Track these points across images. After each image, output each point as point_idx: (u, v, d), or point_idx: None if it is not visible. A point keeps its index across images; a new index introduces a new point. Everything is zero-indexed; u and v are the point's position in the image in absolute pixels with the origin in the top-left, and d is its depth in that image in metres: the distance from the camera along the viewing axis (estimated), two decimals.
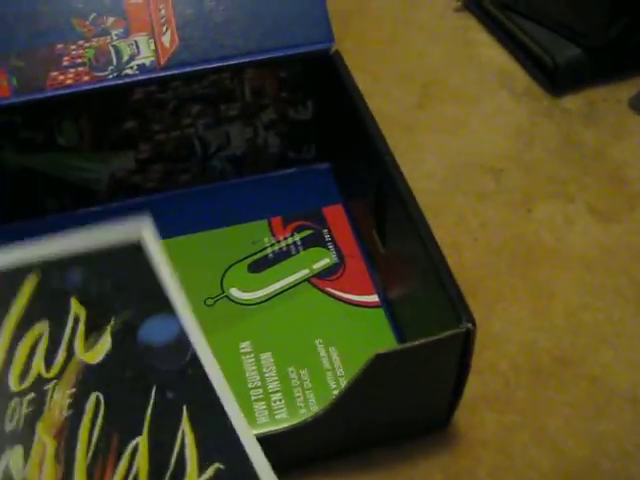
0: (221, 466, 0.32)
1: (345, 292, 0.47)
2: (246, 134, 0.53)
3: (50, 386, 0.33)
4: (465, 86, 0.65)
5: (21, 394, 0.32)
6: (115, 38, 0.48)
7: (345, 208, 0.52)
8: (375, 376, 0.36)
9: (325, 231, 0.51)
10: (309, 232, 0.51)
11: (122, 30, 0.48)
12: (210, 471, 0.32)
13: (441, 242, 0.40)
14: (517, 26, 0.67)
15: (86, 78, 0.47)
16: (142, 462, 0.32)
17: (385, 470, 0.42)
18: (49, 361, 0.34)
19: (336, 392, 0.43)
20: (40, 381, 0.33)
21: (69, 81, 0.47)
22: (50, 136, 0.49)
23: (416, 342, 0.36)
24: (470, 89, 0.65)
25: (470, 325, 0.36)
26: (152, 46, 0.48)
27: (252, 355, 0.44)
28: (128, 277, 0.37)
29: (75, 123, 0.49)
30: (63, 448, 0.31)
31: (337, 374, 0.44)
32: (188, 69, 0.48)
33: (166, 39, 0.48)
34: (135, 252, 0.38)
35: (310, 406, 0.42)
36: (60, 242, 0.37)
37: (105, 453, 0.32)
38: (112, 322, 0.36)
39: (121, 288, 0.37)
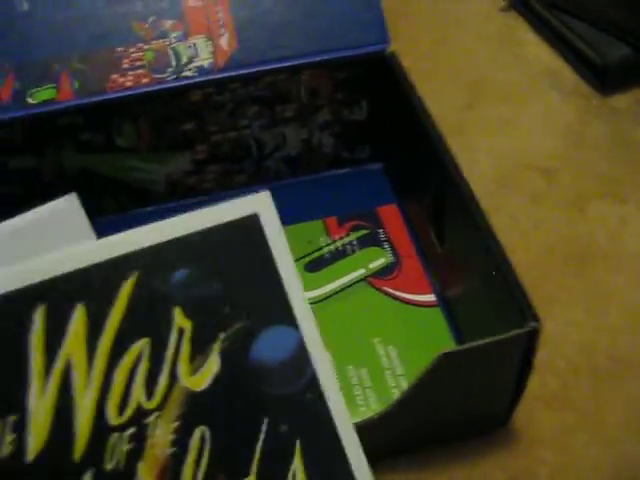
0: None
1: (402, 291, 0.48)
2: (301, 135, 0.53)
3: (152, 419, 0.28)
4: (513, 86, 0.65)
5: (121, 428, 0.28)
6: (174, 41, 0.49)
7: (399, 208, 0.53)
8: (440, 375, 0.36)
9: (380, 231, 0.51)
10: (365, 232, 0.51)
11: (181, 33, 0.49)
12: None
13: None
14: (565, 25, 0.67)
15: (145, 80, 0.48)
16: None
17: (445, 469, 0.42)
18: (150, 387, 0.29)
19: (395, 391, 0.43)
20: (141, 412, 0.28)
21: (129, 83, 0.48)
22: (109, 137, 0.50)
23: (482, 341, 0.36)
24: (518, 89, 0.65)
25: (536, 324, 0.36)
26: (210, 48, 0.49)
27: None
28: (242, 277, 0.30)
29: (134, 125, 0.50)
30: None
31: (396, 373, 0.44)
32: (245, 71, 0.49)
33: (224, 41, 0.49)
34: (250, 243, 0.31)
35: (370, 404, 0.43)
36: (159, 231, 0.30)
37: None
38: (222, 337, 0.30)
39: (233, 292, 0.31)
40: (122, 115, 0.50)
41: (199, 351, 0.29)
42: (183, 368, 0.29)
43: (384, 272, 0.49)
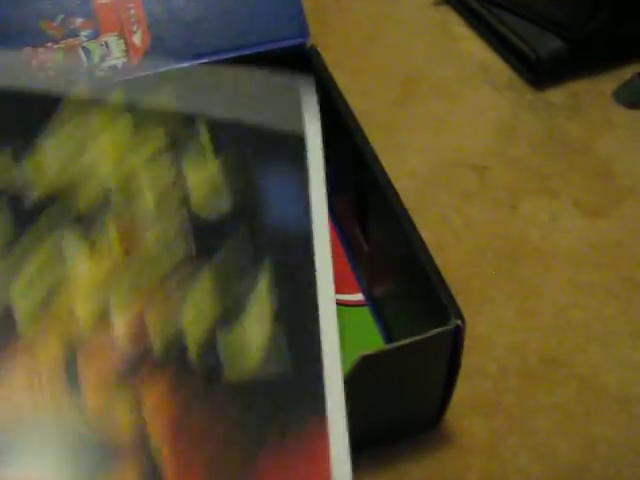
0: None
1: None
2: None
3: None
4: (446, 81, 0.64)
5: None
6: (84, 39, 0.46)
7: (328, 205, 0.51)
8: (362, 378, 0.35)
9: None
10: None
11: (92, 31, 0.47)
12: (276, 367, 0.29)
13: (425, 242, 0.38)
14: (498, 19, 0.66)
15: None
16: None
17: (372, 476, 0.40)
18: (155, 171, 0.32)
19: None
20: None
21: None
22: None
23: (403, 341, 0.34)
24: (451, 84, 0.64)
25: (459, 321, 0.35)
26: (123, 46, 0.46)
27: None
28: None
29: None
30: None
31: None
32: (160, 69, 0.47)
33: (137, 38, 0.47)
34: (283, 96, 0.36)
35: None
36: None
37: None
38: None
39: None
40: None
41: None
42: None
43: None
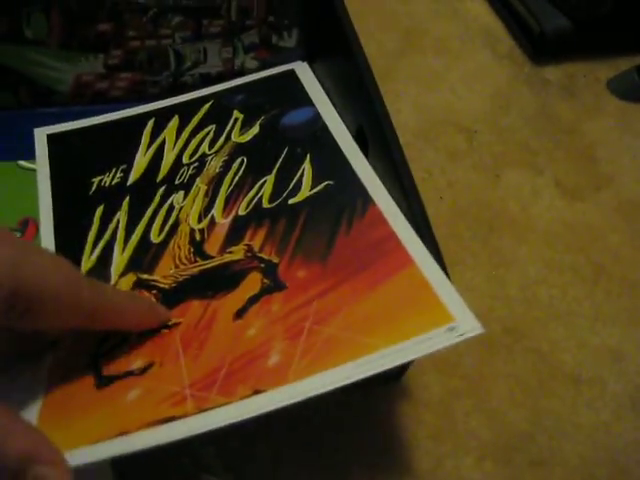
0: (331, 182, 0.40)
1: None
2: (224, 54, 0.50)
3: (209, 157, 0.44)
4: (448, 39, 0.64)
5: (189, 164, 0.43)
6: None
7: None
8: None
9: None
10: None
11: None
12: (321, 186, 0.40)
13: None
14: None
15: None
16: (267, 188, 0.41)
17: (327, 421, 0.41)
18: (212, 145, 0.44)
19: None
20: (204, 155, 0.44)
21: None
22: (16, 26, 0.46)
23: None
24: (452, 43, 0.63)
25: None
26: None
27: None
28: (280, 92, 0.47)
29: (45, 16, 0.46)
30: (212, 188, 0.42)
31: None
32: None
33: None
34: (288, 77, 0.48)
35: None
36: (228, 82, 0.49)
37: (241, 187, 0.41)
38: (262, 117, 0.45)
39: (273, 99, 0.47)
40: (33, 3, 0.46)
41: (247, 125, 0.45)
42: (235, 133, 0.45)
43: None
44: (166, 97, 0.51)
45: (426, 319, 0.32)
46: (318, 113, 0.45)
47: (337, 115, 0.45)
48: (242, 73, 0.51)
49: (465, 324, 0.32)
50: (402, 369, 0.41)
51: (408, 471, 0.40)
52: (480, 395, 0.43)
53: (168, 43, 0.49)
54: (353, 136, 0.43)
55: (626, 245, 0.51)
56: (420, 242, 0.36)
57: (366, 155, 0.42)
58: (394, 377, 0.42)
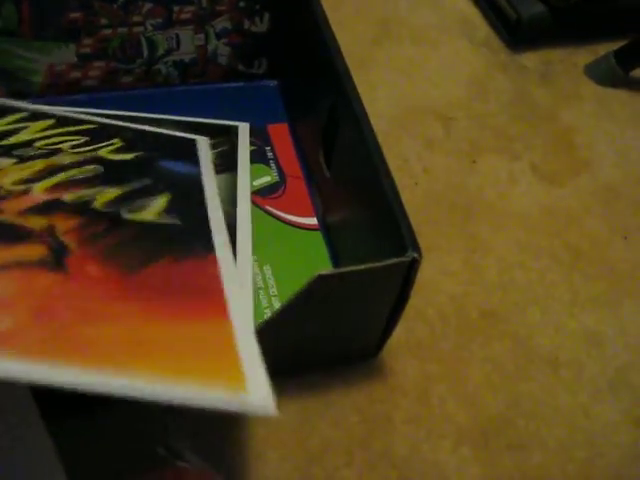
0: (178, 223, 0.38)
1: (284, 212, 0.46)
2: (197, 40, 0.50)
3: (64, 153, 0.41)
4: (425, 28, 0.63)
5: (39, 148, 0.41)
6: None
7: (290, 128, 0.51)
8: (313, 297, 0.34)
9: (268, 148, 0.49)
10: (252, 148, 0.49)
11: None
12: (166, 220, 0.38)
13: None
14: None
15: None
16: (107, 196, 0.38)
17: (299, 402, 0.41)
18: (73, 147, 0.42)
19: (268, 310, 0.41)
20: (59, 150, 0.41)
21: None
22: None
23: (359, 266, 0.34)
24: (429, 32, 0.63)
25: (416, 254, 0.34)
26: None
27: None
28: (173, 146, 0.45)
29: (15, 6, 0.46)
30: (48, 171, 0.39)
31: (270, 293, 0.42)
32: None
33: None
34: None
35: None
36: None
37: (79, 183, 0.39)
38: (142, 153, 0.43)
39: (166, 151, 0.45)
40: None
41: (122, 151, 0.43)
42: (105, 151, 0.43)
43: (268, 190, 0.47)
44: (140, 86, 0.51)
45: (212, 371, 0.28)
46: (200, 173, 0.43)
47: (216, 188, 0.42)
48: (215, 60, 0.51)
49: (256, 397, 0.27)
50: (379, 345, 0.41)
51: (384, 456, 0.39)
52: (457, 379, 0.43)
53: (140, 31, 0.48)
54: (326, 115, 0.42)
55: (603, 229, 0.51)
56: (249, 307, 0.33)
57: (333, 143, 0.42)
58: (371, 354, 0.42)
